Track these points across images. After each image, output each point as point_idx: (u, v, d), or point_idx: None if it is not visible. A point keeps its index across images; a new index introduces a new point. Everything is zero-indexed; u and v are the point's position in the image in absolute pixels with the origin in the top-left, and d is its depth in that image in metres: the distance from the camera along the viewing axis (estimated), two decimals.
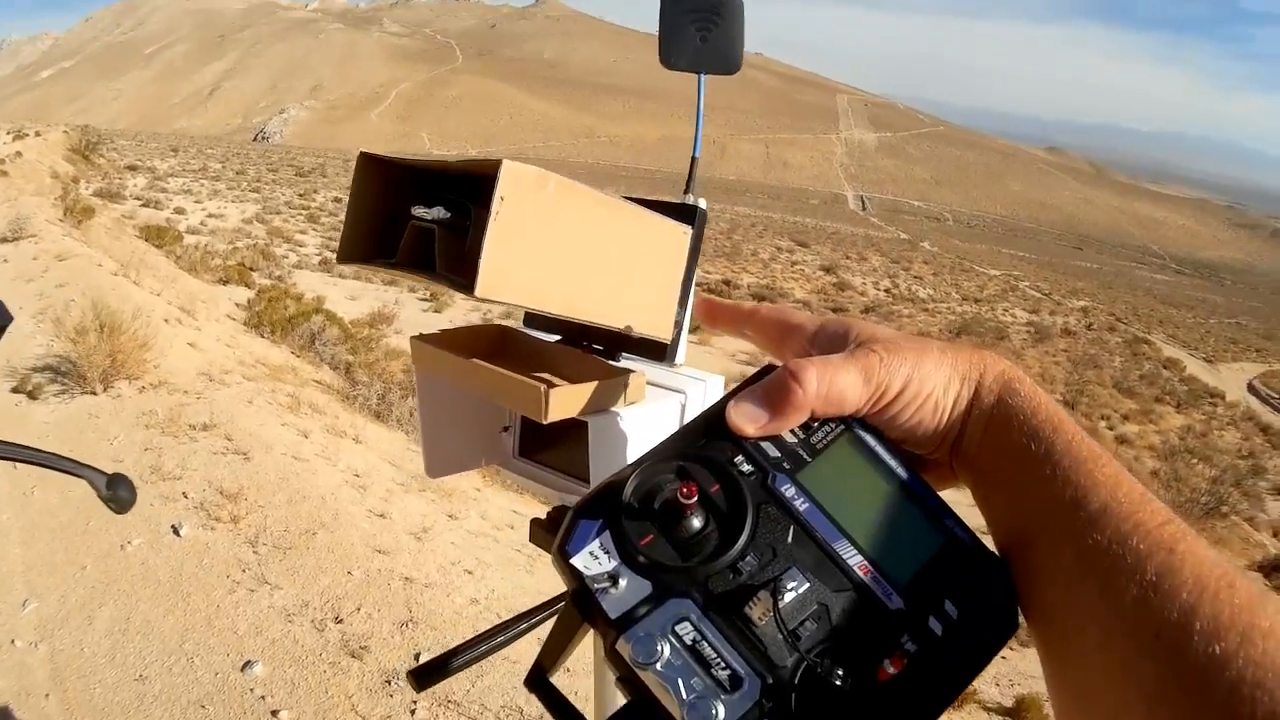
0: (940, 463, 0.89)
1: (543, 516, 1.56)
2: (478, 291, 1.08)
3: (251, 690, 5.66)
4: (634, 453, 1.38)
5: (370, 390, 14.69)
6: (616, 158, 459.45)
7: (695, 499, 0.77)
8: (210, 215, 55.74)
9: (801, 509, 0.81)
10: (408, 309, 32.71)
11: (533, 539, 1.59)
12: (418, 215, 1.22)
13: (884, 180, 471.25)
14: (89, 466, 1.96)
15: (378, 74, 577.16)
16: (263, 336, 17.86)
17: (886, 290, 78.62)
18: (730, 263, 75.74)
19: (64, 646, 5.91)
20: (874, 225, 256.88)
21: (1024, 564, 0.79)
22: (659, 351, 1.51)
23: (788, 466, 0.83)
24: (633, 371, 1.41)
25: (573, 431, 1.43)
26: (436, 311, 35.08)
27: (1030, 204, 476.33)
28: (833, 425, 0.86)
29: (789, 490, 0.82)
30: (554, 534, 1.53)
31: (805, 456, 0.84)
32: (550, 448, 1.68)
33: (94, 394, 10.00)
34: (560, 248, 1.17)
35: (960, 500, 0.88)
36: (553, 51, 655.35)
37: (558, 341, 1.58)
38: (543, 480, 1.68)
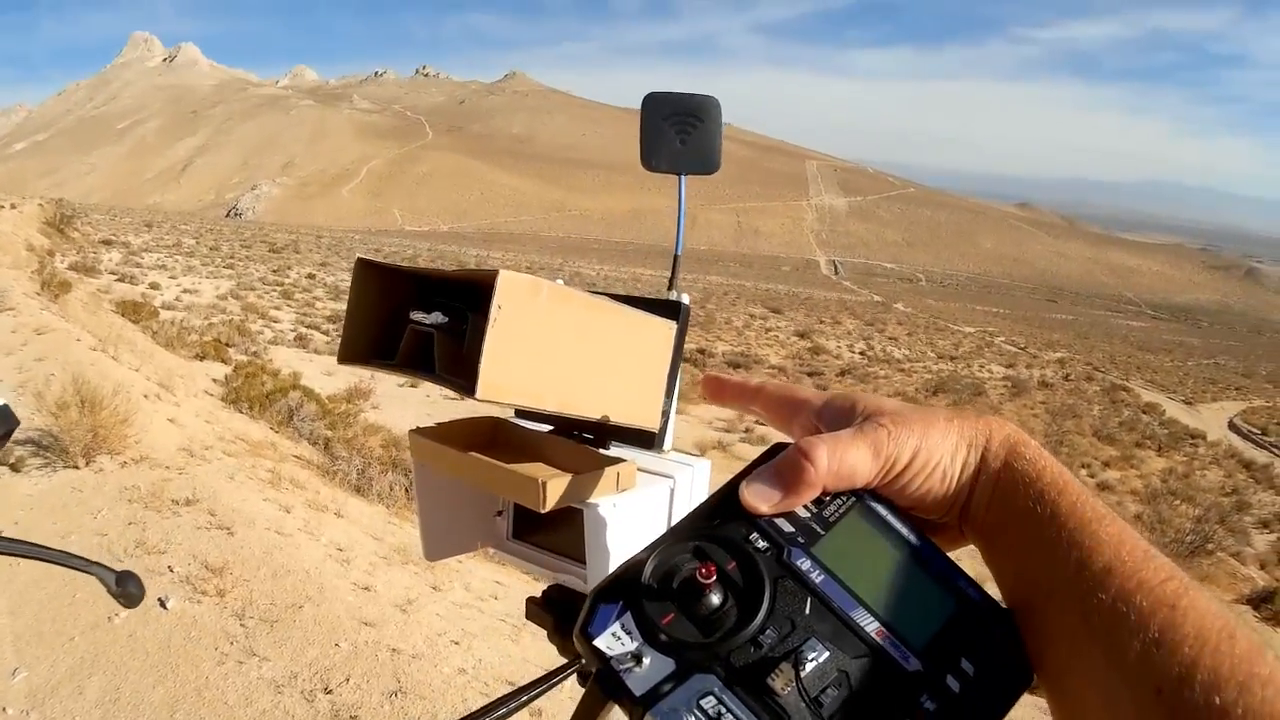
0: (949, 526, 0.92)
1: (536, 594, 1.61)
2: (478, 394, 1.15)
3: None
4: (627, 537, 1.46)
5: (350, 465, 14.68)
6: (588, 230, 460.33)
7: (714, 578, 0.81)
8: (185, 291, 55.42)
9: (817, 581, 0.83)
10: (384, 384, 32.60)
11: (529, 616, 1.61)
12: (416, 320, 1.30)
13: (855, 244, 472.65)
14: (98, 564, 1.98)
15: (349, 150, 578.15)
16: (241, 412, 17.81)
17: (861, 353, 78.57)
18: (704, 331, 75.59)
19: (55, 716, 5.90)
20: (847, 289, 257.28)
21: (1033, 624, 0.81)
22: (648, 440, 1.59)
23: (802, 540, 0.86)
24: (624, 460, 1.48)
25: (564, 515, 1.45)
26: (412, 387, 34.84)
27: (1003, 260, 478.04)
28: (845, 498, 0.89)
29: (804, 564, 0.85)
30: (549, 613, 1.62)
31: (819, 530, 0.87)
32: (543, 530, 1.72)
33: (76, 468, 9.98)
34: (553, 349, 1.25)
35: (965, 556, 0.92)
36: (522, 126, 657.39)
37: (550, 432, 1.65)
38: (536, 561, 1.73)
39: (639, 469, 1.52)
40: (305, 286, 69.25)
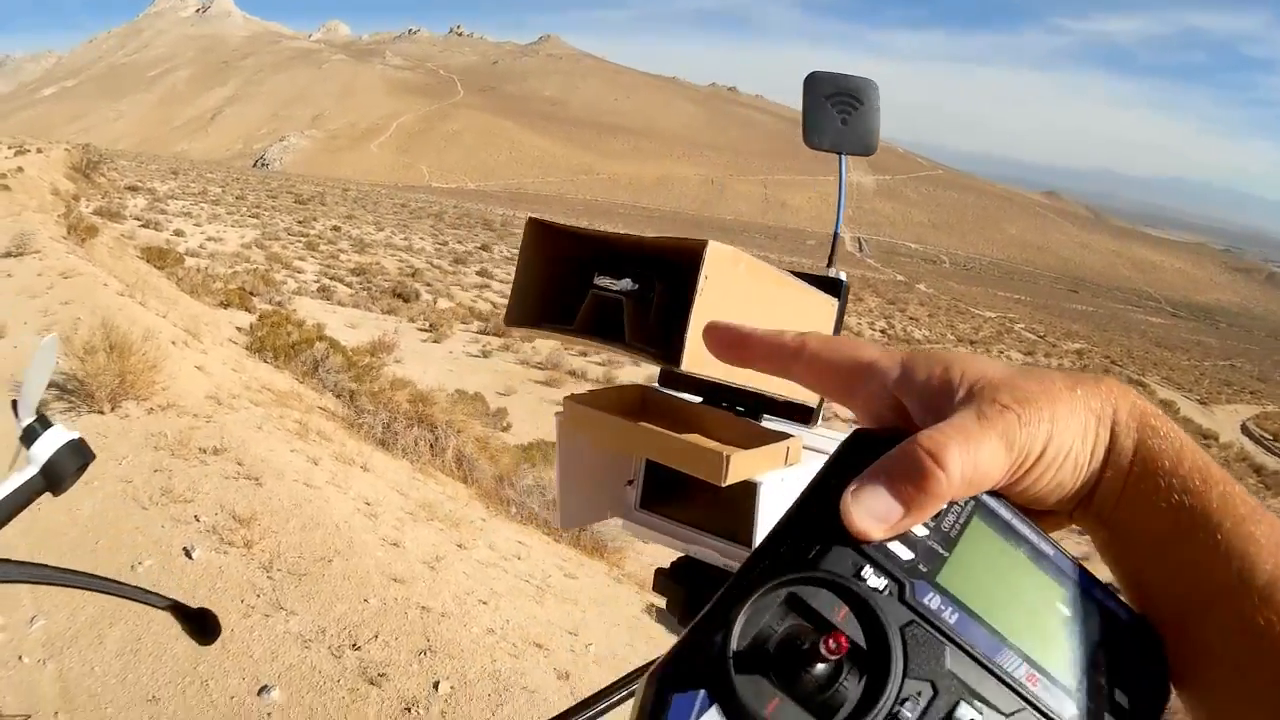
0: (1057, 513, 0.72)
1: (662, 565, 1.57)
2: (684, 365, 1.10)
3: (269, 716, 5.57)
4: None
5: (375, 419, 14.63)
6: (614, 195, 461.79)
7: (845, 651, 0.57)
8: (209, 239, 55.85)
9: (952, 621, 0.62)
10: (407, 338, 32.67)
11: (657, 588, 1.60)
12: (602, 286, 1.25)
13: (881, 223, 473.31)
14: (177, 602, 1.91)
15: (379, 106, 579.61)
16: (266, 362, 17.81)
17: (882, 331, 79.07)
18: None
19: (73, 665, 5.80)
20: (870, 267, 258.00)
21: (1180, 639, 0.66)
22: (805, 414, 1.57)
23: (924, 569, 0.64)
24: (791, 435, 1.43)
25: (698, 486, 1.37)
26: (435, 342, 35.03)
27: (1027, 247, 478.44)
28: (962, 503, 0.68)
29: (933, 600, 0.62)
30: (680, 586, 1.50)
31: (941, 551, 0.65)
32: (674, 501, 1.66)
33: (101, 413, 9.91)
34: (744, 320, 1.12)
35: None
36: (554, 89, 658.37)
37: (701, 403, 1.59)
38: (665, 531, 1.67)
39: None
40: (330, 239, 69.92)
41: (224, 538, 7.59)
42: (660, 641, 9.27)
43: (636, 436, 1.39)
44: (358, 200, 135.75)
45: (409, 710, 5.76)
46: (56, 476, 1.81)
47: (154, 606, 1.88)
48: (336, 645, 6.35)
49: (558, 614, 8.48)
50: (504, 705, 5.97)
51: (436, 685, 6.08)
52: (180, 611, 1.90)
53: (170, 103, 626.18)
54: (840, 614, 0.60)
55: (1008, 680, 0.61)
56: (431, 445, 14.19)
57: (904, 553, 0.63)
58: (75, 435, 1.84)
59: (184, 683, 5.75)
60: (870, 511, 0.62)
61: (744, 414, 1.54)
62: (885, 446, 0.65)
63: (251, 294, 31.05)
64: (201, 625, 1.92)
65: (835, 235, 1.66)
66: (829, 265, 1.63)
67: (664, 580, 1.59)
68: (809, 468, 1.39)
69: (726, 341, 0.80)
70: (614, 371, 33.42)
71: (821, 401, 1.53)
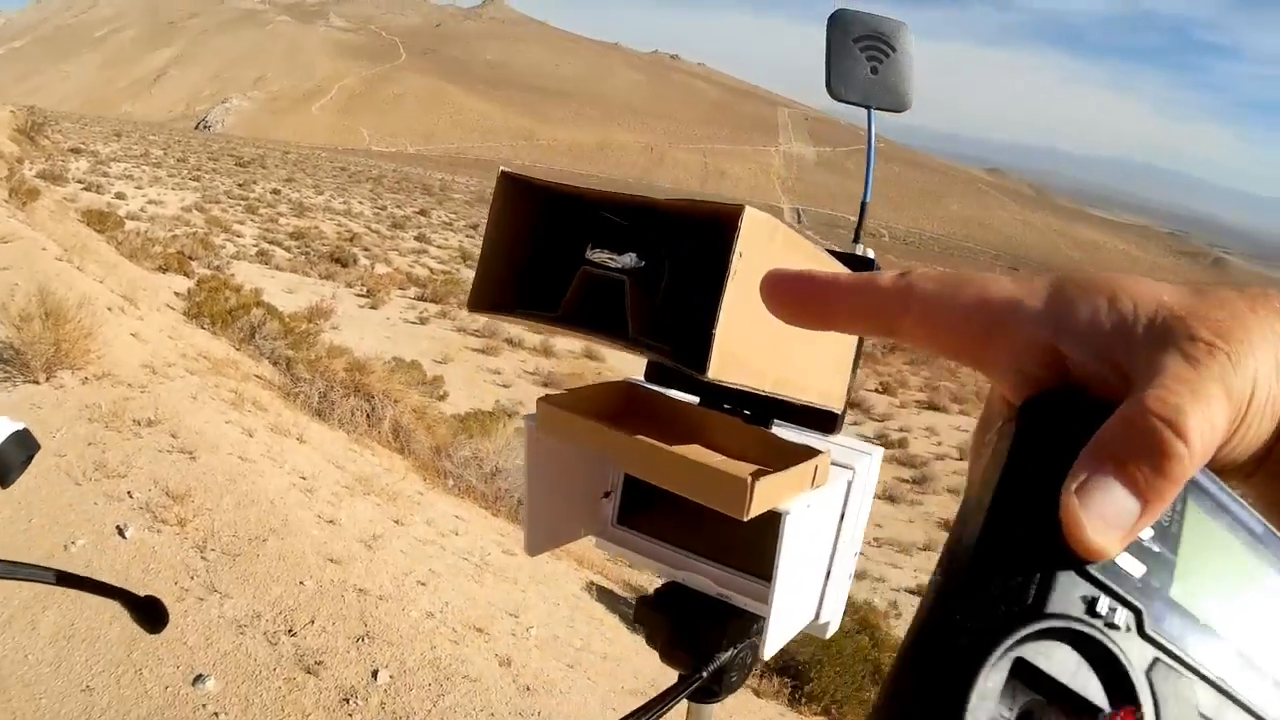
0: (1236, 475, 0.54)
1: (648, 593, 1.39)
2: (711, 373, 0.87)
3: (204, 706, 5.45)
4: (811, 544, 1.21)
5: (312, 388, 14.50)
6: (554, 160, 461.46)
7: None
8: (150, 202, 55.52)
9: (1197, 654, 0.46)
10: (345, 304, 32.51)
11: (639, 619, 1.40)
12: (597, 261, 1.03)
13: (821, 195, 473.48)
14: (121, 589, 1.88)
15: (321, 68, 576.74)
16: (203, 328, 17.63)
17: None
18: None
19: (6, 653, 5.66)
20: (809, 239, 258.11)
21: None
22: (827, 422, 1.31)
23: (1156, 585, 0.47)
24: (820, 451, 1.19)
25: (684, 500, 1.13)
26: (373, 308, 34.92)
27: (968, 223, 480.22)
28: None
29: (1173, 625, 0.46)
30: (665, 617, 1.33)
31: (1168, 554, 0.48)
32: (657, 515, 1.46)
33: (37, 383, 9.73)
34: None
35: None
36: (497, 53, 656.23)
37: (699, 404, 1.35)
38: (646, 553, 1.47)
39: None
40: (270, 202, 69.80)
41: (157, 515, 7.43)
42: (602, 623, 9.22)
43: (632, 452, 1.16)
44: (298, 163, 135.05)
45: (347, 701, 5.65)
46: (3, 469, 1.76)
47: (108, 597, 1.86)
48: (272, 631, 6.23)
49: (498, 594, 8.41)
50: (445, 695, 5.87)
51: (375, 674, 5.98)
52: (129, 600, 1.87)
53: (116, 64, 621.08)
54: (1083, 677, 0.44)
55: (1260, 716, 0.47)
56: (368, 415, 14.11)
57: (1134, 567, 0.47)
58: (20, 426, 1.80)
59: (118, 671, 5.63)
60: (1104, 516, 0.45)
61: (751, 419, 1.31)
62: (1083, 419, 0.49)
63: (190, 258, 30.87)
64: (151, 614, 1.89)
65: (863, 206, 1.48)
66: (855, 241, 1.45)
67: (647, 611, 1.39)
68: (831, 488, 1.24)
69: (799, 296, 0.59)
70: (553, 341, 33.08)
71: (846, 407, 1.29)
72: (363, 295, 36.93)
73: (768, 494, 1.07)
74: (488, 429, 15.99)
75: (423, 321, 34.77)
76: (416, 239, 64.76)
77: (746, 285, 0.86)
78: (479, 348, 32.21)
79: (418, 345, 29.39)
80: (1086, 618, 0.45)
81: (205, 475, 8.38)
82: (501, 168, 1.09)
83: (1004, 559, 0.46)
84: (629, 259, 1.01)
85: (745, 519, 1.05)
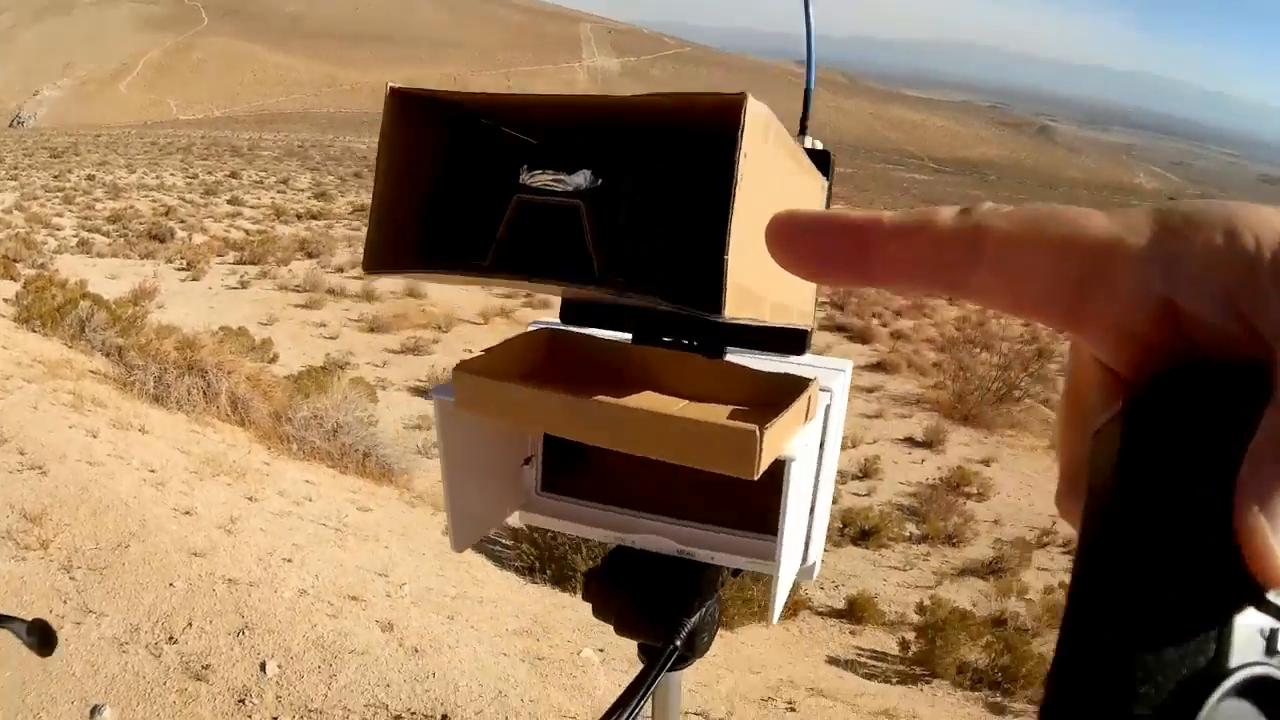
0: None
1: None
2: (728, 312, 0.73)
3: None
4: (808, 483, 1.12)
5: (146, 373, 14.28)
6: (359, 104, 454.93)
7: None
8: None
9: None
10: (167, 280, 31.94)
11: (589, 598, 1.27)
12: (535, 186, 0.86)
13: None
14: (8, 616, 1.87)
15: (127, 45, 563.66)
16: (34, 331, 17.31)
17: None
18: None
19: None
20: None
21: None
22: (793, 342, 1.18)
23: None
24: (811, 380, 1.07)
25: (620, 454, 1.00)
26: (194, 279, 34.32)
27: (781, 117, 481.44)
28: None
29: None
30: (620, 591, 1.24)
31: None
32: (588, 476, 1.32)
33: None
34: (761, 226, 0.61)
35: None
36: (296, 5, 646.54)
37: (633, 341, 1.17)
38: (581, 518, 1.32)
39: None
40: (85, 189, 68.36)
41: (19, 542, 7.20)
42: (470, 564, 9.24)
43: (596, 419, 0.96)
44: (109, 145, 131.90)
45: (243, 702, 5.59)
46: None
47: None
48: (153, 642, 6.11)
49: (363, 556, 8.44)
50: (338, 675, 5.84)
51: (263, 666, 5.91)
52: (19, 627, 1.85)
53: None
54: None
55: None
56: (204, 392, 13.95)
57: None
58: None
59: (16, 718, 5.51)
60: None
61: (701, 350, 1.13)
62: (1224, 403, 0.39)
63: (15, 260, 30.17)
64: (42, 636, 1.87)
65: (807, 94, 1.28)
66: (801, 134, 1.24)
67: (599, 585, 1.25)
68: (817, 418, 1.11)
69: (829, 248, 0.46)
70: (373, 284, 31.92)
71: (814, 325, 1.16)
72: (183, 269, 35.98)
73: (774, 444, 0.92)
74: (323, 385, 16.06)
75: (244, 285, 34.03)
76: (230, 203, 63.67)
77: (752, 194, 0.74)
78: (302, 303, 31.63)
79: (241, 310, 28.83)
80: (1267, 659, 0.36)
81: (58, 489, 8.14)
82: (389, 83, 0.90)
83: (1171, 606, 0.36)
84: (582, 178, 0.85)
85: (754, 478, 0.90)
